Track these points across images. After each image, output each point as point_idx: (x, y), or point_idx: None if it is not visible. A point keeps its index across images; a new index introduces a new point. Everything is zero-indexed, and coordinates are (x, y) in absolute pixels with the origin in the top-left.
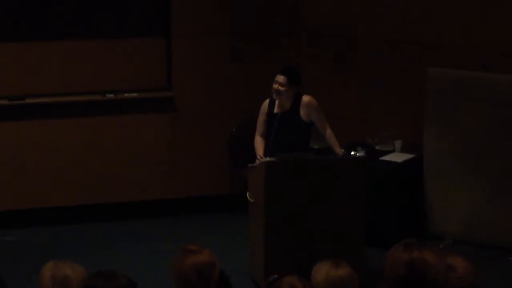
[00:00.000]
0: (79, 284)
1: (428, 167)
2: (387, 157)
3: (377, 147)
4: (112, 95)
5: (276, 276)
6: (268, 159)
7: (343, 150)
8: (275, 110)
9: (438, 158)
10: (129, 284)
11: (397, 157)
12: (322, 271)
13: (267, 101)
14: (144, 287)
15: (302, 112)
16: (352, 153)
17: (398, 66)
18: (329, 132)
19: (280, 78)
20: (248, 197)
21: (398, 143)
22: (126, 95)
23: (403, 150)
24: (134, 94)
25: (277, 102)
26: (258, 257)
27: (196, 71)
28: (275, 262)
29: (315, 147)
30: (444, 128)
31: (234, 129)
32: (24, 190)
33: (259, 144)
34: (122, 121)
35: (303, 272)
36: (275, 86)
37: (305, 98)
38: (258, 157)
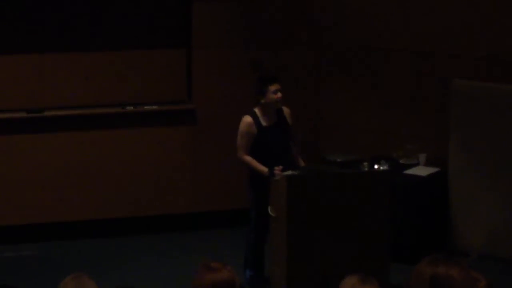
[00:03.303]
0: None
1: (453, 181)
2: (411, 171)
3: (401, 161)
4: (132, 107)
5: None
6: (290, 172)
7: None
8: (264, 123)
9: (463, 171)
10: None
11: (422, 171)
12: (348, 285)
13: (250, 119)
14: None
15: (289, 121)
16: (376, 166)
17: (423, 78)
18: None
19: (278, 86)
20: (270, 211)
21: (422, 157)
22: (146, 107)
23: (428, 163)
24: (154, 107)
25: (260, 115)
26: (279, 272)
27: (217, 83)
28: (297, 277)
29: (338, 160)
30: (469, 141)
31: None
32: (42, 204)
33: (255, 161)
34: (142, 134)
35: (326, 286)
36: (279, 95)
37: (285, 108)
38: (277, 169)
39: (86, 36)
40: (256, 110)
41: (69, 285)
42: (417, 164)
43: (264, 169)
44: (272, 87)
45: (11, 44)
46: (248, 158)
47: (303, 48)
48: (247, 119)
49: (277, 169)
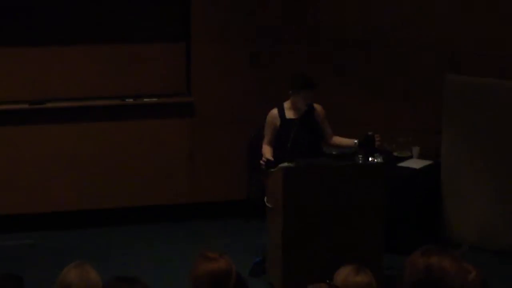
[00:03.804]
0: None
1: (446, 174)
2: (405, 164)
3: (395, 154)
4: (131, 100)
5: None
6: (286, 164)
7: (355, 141)
8: (289, 116)
9: (456, 164)
10: None
11: (415, 164)
12: (342, 274)
13: (275, 111)
14: None
15: (317, 117)
16: (370, 159)
17: (416, 72)
18: (334, 134)
19: (312, 94)
20: (266, 203)
21: (416, 150)
22: (145, 100)
23: (421, 156)
24: (154, 99)
25: (287, 108)
26: (275, 262)
27: (216, 76)
28: (292, 267)
29: (334, 152)
30: (462, 134)
31: (252, 135)
32: (43, 194)
33: (267, 149)
34: (141, 126)
35: (322, 278)
36: (307, 102)
37: (318, 105)
38: (264, 159)
39: (87, 29)
40: (285, 103)
41: (71, 273)
42: (410, 157)
43: (266, 157)
44: (304, 93)
45: (13, 36)
46: (263, 148)
47: (301, 43)
48: (273, 111)
49: (262, 161)
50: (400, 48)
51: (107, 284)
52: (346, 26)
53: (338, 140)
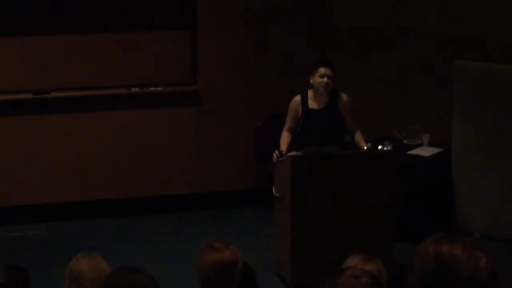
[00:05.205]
0: (97, 279)
1: (456, 162)
2: (414, 151)
3: (404, 141)
4: (137, 89)
5: None
6: (294, 153)
7: (369, 144)
8: (311, 106)
9: (466, 152)
10: (151, 282)
11: (425, 151)
12: (351, 263)
13: (298, 98)
14: (167, 281)
15: (341, 108)
16: (380, 147)
17: (426, 59)
18: (358, 129)
19: (328, 71)
20: (274, 192)
21: (426, 137)
22: (151, 89)
23: (431, 144)
24: (160, 88)
25: (310, 97)
26: (284, 252)
27: (222, 65)
28: (301, 257)
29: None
30: (472, 122)
31: (259, 123)
32: (49, 184)
33: (284, 139)
34: (147, 115)
35: (330, 267)
36: (325, 79)
37: (344, 95)
38: (276, 151)
39: (92, 17)
40: (309, 91)
41: (82, 263)
42: (420, 145)
43: (281, 149)
44: (321, 70)
45: (18, 26)
46: (282, 135)
47: (308, 31)
48: (296, 97)
49: (275, 154)
50: (411, 35)
51: (111, 274)
52: (355, 13)
53: (356, 138)
